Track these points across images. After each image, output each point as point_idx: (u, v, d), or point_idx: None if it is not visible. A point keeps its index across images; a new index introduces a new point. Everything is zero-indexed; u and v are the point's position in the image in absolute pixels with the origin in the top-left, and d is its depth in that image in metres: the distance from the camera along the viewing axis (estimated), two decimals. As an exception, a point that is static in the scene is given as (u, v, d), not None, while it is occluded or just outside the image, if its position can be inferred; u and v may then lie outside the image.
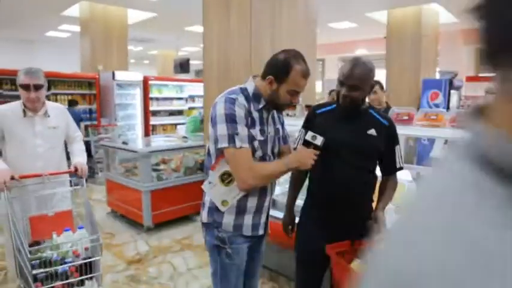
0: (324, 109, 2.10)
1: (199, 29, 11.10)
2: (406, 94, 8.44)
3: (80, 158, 2.84)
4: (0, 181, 2.40)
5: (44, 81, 2.68)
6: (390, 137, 2.03)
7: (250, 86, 1.86)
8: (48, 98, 7.45)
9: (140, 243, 4.24)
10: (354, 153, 1.94)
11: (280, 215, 2.44)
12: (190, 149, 5.07)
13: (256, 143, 1.80)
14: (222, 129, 1.71)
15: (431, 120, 2.80)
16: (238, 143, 1.70)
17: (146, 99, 8.96)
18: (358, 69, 1.85)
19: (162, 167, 4.75)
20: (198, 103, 10.41)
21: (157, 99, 9.50)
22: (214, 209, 1.86)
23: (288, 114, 3.79)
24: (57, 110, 2.89)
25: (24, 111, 2.70)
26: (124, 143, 5.04)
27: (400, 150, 2.10)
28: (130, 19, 9.12)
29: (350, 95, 1.89)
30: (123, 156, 5.17)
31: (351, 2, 8.12)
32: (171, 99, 9.92)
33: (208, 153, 1.91)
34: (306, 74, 1.80)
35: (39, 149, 2.74)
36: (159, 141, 5.61)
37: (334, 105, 2.07)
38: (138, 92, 8.84)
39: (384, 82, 8.83)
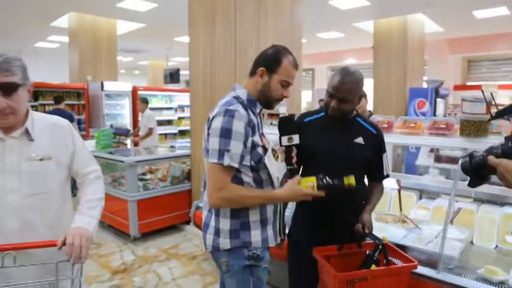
0: (311, 117, 2.10)
1: (188, 39, 11.27)
2: (394, 103, 8.55)
3: (82, 217, 1.54)
4: None
5: (23, 78, 1.46)
6: (378, 145, 2.05)
7: (242, 93, 1.77)
8: (35, 109, 7.50)
9: (126, 253, 4.22)
10: (344, 162, 1.93)
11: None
12: (176, 158, 5.09)
13: (260, 149, 1.71)
14: (214, 143, 1.62)
15: (410, 128, 2.85)
16: (226, 161, 1.60)
17: (135, 109, 8.97)
18: (348, 82, 1.86)
19: (148, 176, 4.75)
20: (188, 113, 10.41)
21: (146, 109, 9.50)
22: (239, 230, 1.71)
23: (272, 123, 3.83)
24: (50, 128, 1.61)
25: None
26: (110, 153, 5.04)
27: (387, 157, 2.12)
28: (119, 30, 9.17)
29: (340, 108, 1.91)
30: (110, 166, 5.17)
31: (338, 13, 8.24)
32: (161, 109, 9.95)
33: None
34: (296, 65, 1.79)
35: (11, 198, 1.48)
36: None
37: (323, 113, 2.07)
38: (127, 102, 8.87)
39: (371, 91, 8.96)
